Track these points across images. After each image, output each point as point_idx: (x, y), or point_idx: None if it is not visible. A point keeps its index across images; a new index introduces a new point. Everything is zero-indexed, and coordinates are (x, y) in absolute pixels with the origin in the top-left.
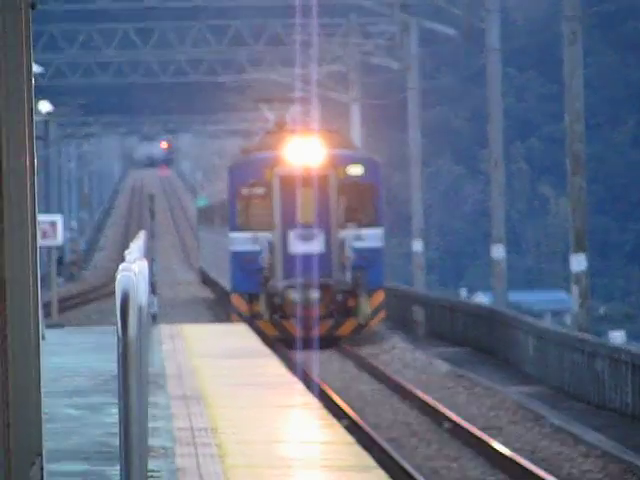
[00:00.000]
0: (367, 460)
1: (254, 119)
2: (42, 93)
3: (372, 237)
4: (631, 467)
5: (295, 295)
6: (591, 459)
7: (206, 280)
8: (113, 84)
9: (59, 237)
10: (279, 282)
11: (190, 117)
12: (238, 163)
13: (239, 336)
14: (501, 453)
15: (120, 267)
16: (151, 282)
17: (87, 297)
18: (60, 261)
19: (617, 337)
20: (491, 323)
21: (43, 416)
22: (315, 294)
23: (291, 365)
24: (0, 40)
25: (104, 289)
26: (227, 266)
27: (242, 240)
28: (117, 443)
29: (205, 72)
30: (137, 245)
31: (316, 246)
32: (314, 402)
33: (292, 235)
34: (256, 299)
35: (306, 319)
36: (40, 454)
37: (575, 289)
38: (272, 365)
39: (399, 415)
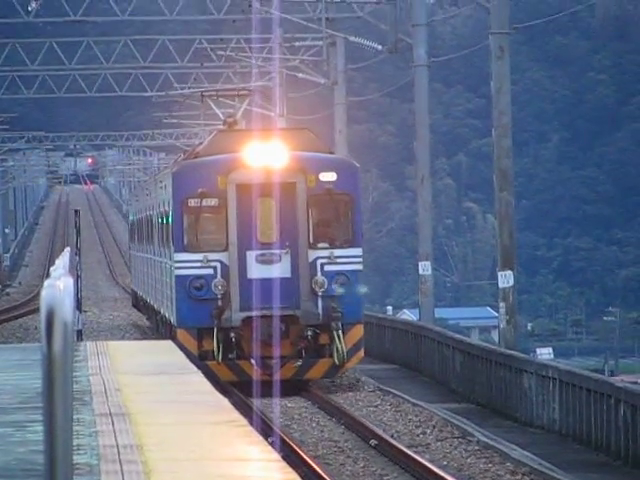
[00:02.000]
0: (294, 477)
1: (179, 135)
2: None
3: (349, 259)
4: None
5: (254, 330)
6: (518, 476)
7: (139, 305)
8: (38, 99)
9: None
10: (235, 314)
11: (116, 133)
12: (184, 169)
13: (165, 352)
14: (428, 470)
15: (45, 283)
16: (77, 299)
17: (11, 314)
18: None
19: (544, 354)
20: (418, 340)
21: None
22: (279, 329)
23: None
24: None
25: (29, 306)
26: (170, 294)
27: (190, 263)
28: (42, 461)
29: (131, 87)
30: (62, 261)
31: (280, 270)
32: (240, 419)
33: (251, 257)
34: (207, 335)
35: (267, 359)
36: None
37: (502, 306)
38: (197, 382)
39: (325, 432)
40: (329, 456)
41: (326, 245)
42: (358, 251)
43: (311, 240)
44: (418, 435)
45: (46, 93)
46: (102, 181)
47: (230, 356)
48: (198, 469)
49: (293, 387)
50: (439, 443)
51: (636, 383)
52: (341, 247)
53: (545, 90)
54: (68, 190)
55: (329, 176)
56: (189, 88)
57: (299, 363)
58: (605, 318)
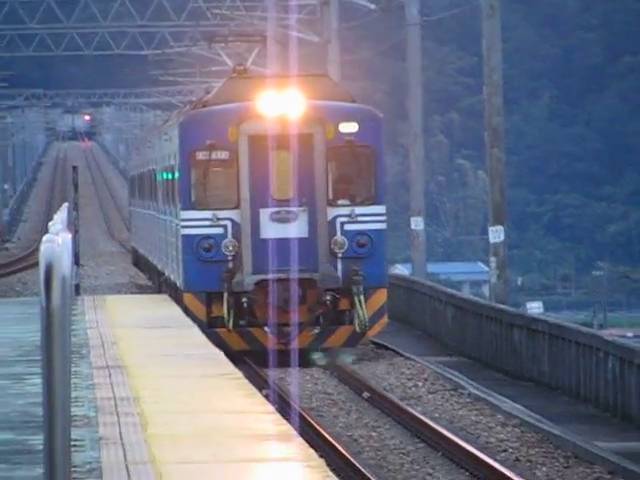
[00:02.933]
0: (287, 429)
1: (175, 92)
2: None
3: (371, 217)
4: (548, 436)
5: (269, 295)
6: (508, 428)
7: (140, 264)
8: (36, 57)
9: None
10: (247, 277)
11: (113, 90)
12: (191, 119)
13: (161, 306)
14: (420, 421)
15: (44, 238)
16: (74, 253)
17: (10, 269)
18: None
19: (534, 308)
20: (410, 294)
21: None
22: (295, 293)
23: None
24: None
25: (27, 260)
26: (176, 255)
27: (197, 221)
28: (41, 412)
29: (128, 46)
30: (61, 217)
31: (297, 229)
32: (235, 372)
33: (265, 215)
34: (217, 300)
35: (283, 326)
36: None
37: (493, 261)
38: (193, 335)
39: (319, 385)
40: (322, 408)
41: (347, 202)
42: (382, 209)
43: (330, 197)
44: (410, 388)
45: (44, 51)
46: (100, 138)
47: (242, 323)
48: (193, 421)
49: (305, 361)
50: (431, 396)
51: (624, 336)
52: (363, 204)
53: (535, 48)
54: (66, 147)
55: (350, 127)
56: (186, 47)
57: (317, 331)
58: (594, 272)
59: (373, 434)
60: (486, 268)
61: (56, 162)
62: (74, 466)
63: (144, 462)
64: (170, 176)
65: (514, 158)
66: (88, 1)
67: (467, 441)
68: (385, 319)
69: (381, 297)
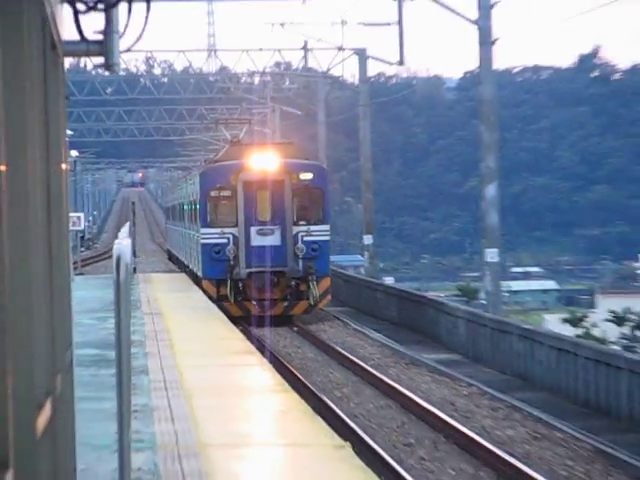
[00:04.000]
0: (253, 348)
1: (189, 160)
2: (72, 146)
3: (320, 233)
4: (396, 351)
5: (255, 281)
6: (375, 347)
7: (172, 258)
8: (112, 141)
9: (82, 225)
10: (242, 270)
11: (154, 159)
12: (208, 170)
13: (181, 280)
14: (324, 343)
15: (116, 241)
16: (133, 250)
17: (97, 258)
18: (82, 238)
19: (389, 280)
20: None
21: (73, 322)
22: (272, 280)
23: (254, 340)
24: (51, 118)
25: (107, 254)
26: (197, 255)
27: (211, 235)
28: (113, 338)
29: (163, 134)
30: (125, 230)
31: (273, 240)
32: (222, 316)
33: (253, 231)
34: (223, 284)
35: (264, 301)
36: (71, 343)
37: (366, 254)
38: (198, 297)
39: (278, 330)
40: (277, 340)
41: (304, 223)
42: (327, 227)
43: (294, 219)
44: (319, 326)
45: (116, 137)
46: (147, 186)
47: (238, 298)
48: (200, 342)
49: (281, 321)
50: (331, 329)
51: (438, 296)
52: (315, 224)
53: (390, 135)
54: (128, 191)
55: (307, 175)
56: (194, 137)
57: (286, 304)
58: (422, 261)
59: (299, 351)
60: (362, 258)
61: (123, 200)
62: (133, 368)
63: (172, 366)
64: (193, 206)
65: (377, 197)
66: (141, 111)
67: (350, 353)
68: (329, 297)
69: (327, 282)
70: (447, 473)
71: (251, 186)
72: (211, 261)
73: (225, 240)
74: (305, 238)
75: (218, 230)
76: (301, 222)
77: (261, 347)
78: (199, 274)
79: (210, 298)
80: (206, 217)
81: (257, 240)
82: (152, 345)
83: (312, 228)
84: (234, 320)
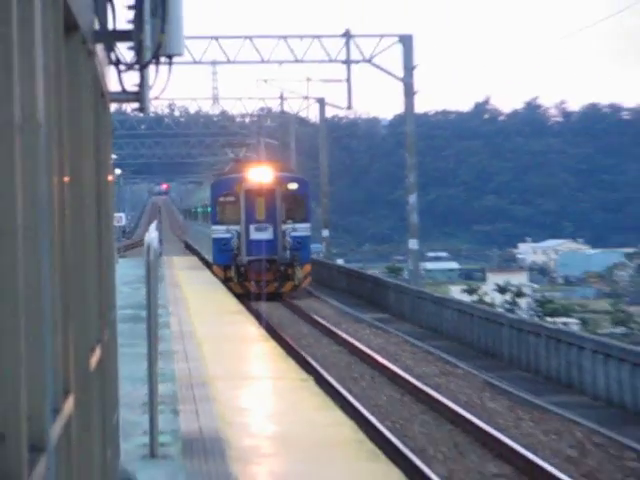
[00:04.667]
0: (245, 310)
1: (200, 176)
2: (116, 166)
3: (302, 229)
4: (346, 312)
5: (253, 266)
6: (331, 309)
7: (188, 247)
8: (144, 163)
9: (123, 222)
10: (243, 258)
11: (175, 175)
12: (217, 181)
13: (194, 262)
14: (305, 313)
15: (147, 234)
16: (159, 239)
17: (134, 246)
18: (123, 232)
19: (340, 261)
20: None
21: (116, 290)
22: (266, 266)
23: (250, 308)
24: (101, 146)
25: (141, 242)
26: (209, 246)
27: (220, 231)
28: (145, 302)
29: (180, 158)
30: (154, 225)
31: (267, 235)
32: (223, 287)
33: (252, 228)
34: (229, 269)
35: (260, 282)
36: (114, 305)
37: (324, 243)
38: (207, 275)
39: (289, 318)
40: (270, 310)
41: (291, 222)
42: (307, 225)
43: (283, 219)
44: (296, 298)
45: (147, 160)
46: (169, 195)
47: (240, 280)
48: (215, 305)
49: (273, 297)
50: (316, 304)
51: (375, 273)
52: (298, 223)
53: (341, 160)
54: (155, 199)
55: (293, 185)
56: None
57: (276, 284)
58: (364, 248)
59: (289, 317)
60: (321, 246)
61: (152, 204)
62: (158, 323)
63: (187, 322)
64: (206, 209)
65: (332, 202)
66: (165, 140)
67: (314, 313)
68: (310, 279)
69: (308, 268)
70: (381, 398)
71: (251, 193)
72: (220, 251)
73: (230, 235)
74: (291, 233)
75: (225, 227)
76: (288, 221)
77: (256, 313)
78: (210, 261)
79: (219, 280)
80: (216, 217)
81: (255, 235)
82: (173, 307)
83: (297, 226)
84: (238, 297)
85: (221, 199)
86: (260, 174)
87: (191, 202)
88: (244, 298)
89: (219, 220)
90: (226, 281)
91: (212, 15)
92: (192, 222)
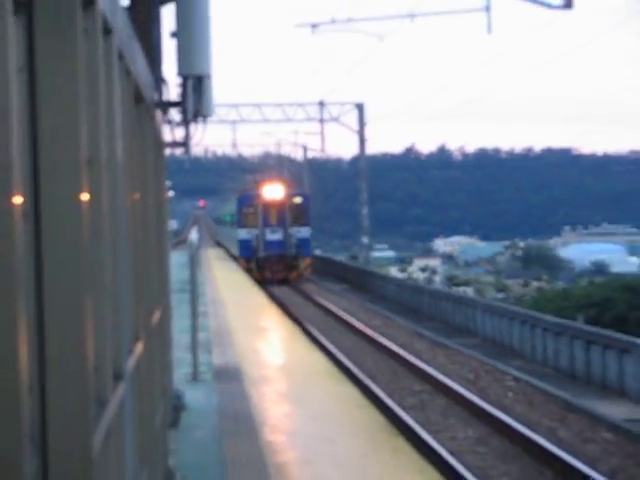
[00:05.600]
0: (264, 296)
1: (233, 194)
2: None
3: (305, 232)
4: (322, 285)
5: (268, 259)
6: (312, 284)
7: (221, 245)
8: (188, 188)
9: (174, 226)
10: (261, 253)
11: (209, 195)
12: (242, 196)
13: (222, 254)
14: (305, 292)
15: (190, 235)
16: (199, 238)
17: (182, 242)
18: (174, 233)
19: (318, 252)
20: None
21: (170, 271)
22: (278, 259)
23: (267, 291)
24: (159, 175)
25: (186, 240)
26: (235, 244)
27: (243, 233)
28: (189, 279)
29: (214, 184)
30: (195, 229)
31: (278, 236)
32: (243, 274)
33: (267, 231)
34: (250, 261)
35: (274, 271)
36: (169, 281)
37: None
38: (231, 263)
39: (294, 297)
40: (294, 305)
41: (296, 226)
42: (309, 229)
43: (290, 224)
44: (297, 284)
45: (190, 186)
46: (205, 209)
47: (259, 269)
48: (232, 281)
49: (284, 282)
50: (314, 288)
51: (340, 259)
52: (302, 227)
53: (317, 188)
54: (196, 212)
55: (298, 200)
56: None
57: (285, 272)
58: (334, 242)
59: (295, 300)
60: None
61: (194, 216)
62: (198, 293)
63: (218, 292)
64: (234, 217)
65: (312, 213)
66: (201, 173)
67: (304, 290)
68: (310, 269)
69: (308, 260)
70: (346, 342)
71: (267, 205)
72: (243, 248)
73: (252, 236)
74: (296, 235)
75: (247, 230)
76: (294, 225)
77: (271, 295)
78: (236, 254)
79: (242, 269)
80: (241, 223)
81: (269, 236)
82: (208, 283)
83: (300, 229)
84: (258, 283)
85: (244, 210)
86: (274, 191)
87: (222, 212)
88: (262, 285)
89: (243, 225)
90: (248, 271)
91: (232, 85)
92: (223, 227)
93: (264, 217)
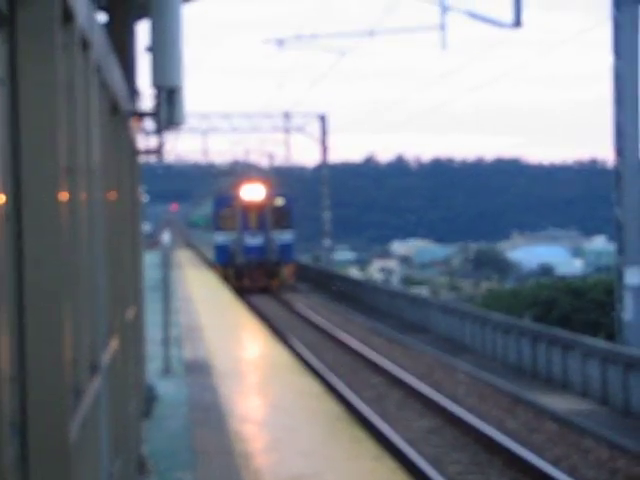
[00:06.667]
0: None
1: (205, 198)
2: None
3: (287, 236)
4: (296, 288)
5: (248, 266)
6: (287, 289)
7: (194, 249)
8: (161, 192)
9: (147, 228)
10: (240, 259)
11: (181, 200)
12: (219, 197)
13: (193, 254)
14: (287, 303)
15: (163, 236)
16: (170, 240)
17: (152, 243)
18: (149, 234)
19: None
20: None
21: (143, 271)
22: (258, 266)
23: (245, 300)
24: (135, 181)
25: (159, 241)
26: (211, 249)
27: (221, 236)
28: (161, 278)
29: (184, 189)
30: (166, 231)
31: (259, 241)
32: (218, 279)
33: (246, 234)
34: (228, 268)
35: (253, 279)
36: (143, 280)
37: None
38: (207, 273)
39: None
40: (260, 303)
41: (278, 229)
42: (292, 232)
43: (272, 227)
44: (284, 289)
45: (163, 190)
46: (177, 213)
47: (237, 277)
48: (203, 282)
49: (263, 291)
50: (299, 295)
51: (307, 262)
52: (284, 230)
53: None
54: (167, 215)
55: (280, 201)
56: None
57: (265, 280)
58: (322, 242)
59: (261, 299)
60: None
61: (166, 219)
62: (170, 291)
63: (188, 290)
64: (209, 220)
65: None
66: (174, 179)
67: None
68: (293, 277)
69: (291, 267)
70: (308, 337)
71: (246, 207)
72: (220, 253)
73: (229, 240)
74: (278, 240)
75: (225, 234)
76: (276, 228)
77: (238, 293)
78: (212, 260)
79: (220, 277)
80: (217, 225)
81: (249, 241)
82: (179, 281)
83: (283, 233)
84: (236, 291)
85: (221, 212)
86: (254, 191)
87: (196, 214)
88: (241, 294)
89: (220, 228)
90: (225, 279)
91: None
92: (196, 229)
93: (243, 220)
